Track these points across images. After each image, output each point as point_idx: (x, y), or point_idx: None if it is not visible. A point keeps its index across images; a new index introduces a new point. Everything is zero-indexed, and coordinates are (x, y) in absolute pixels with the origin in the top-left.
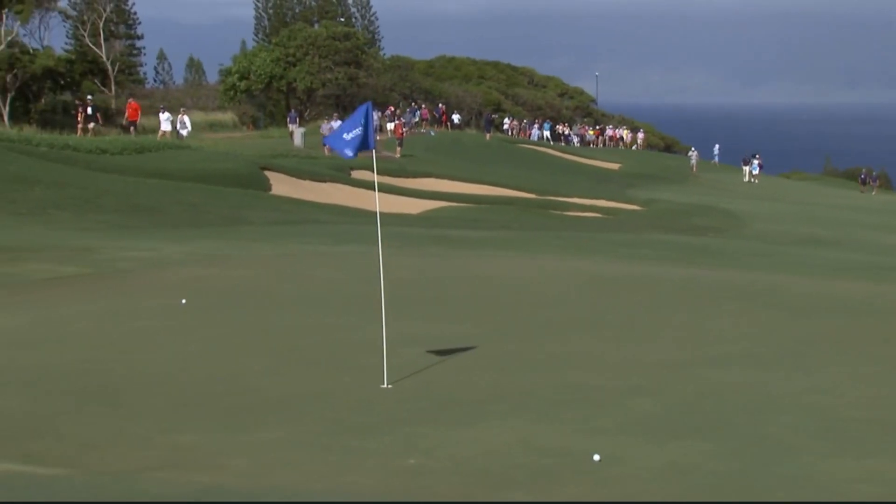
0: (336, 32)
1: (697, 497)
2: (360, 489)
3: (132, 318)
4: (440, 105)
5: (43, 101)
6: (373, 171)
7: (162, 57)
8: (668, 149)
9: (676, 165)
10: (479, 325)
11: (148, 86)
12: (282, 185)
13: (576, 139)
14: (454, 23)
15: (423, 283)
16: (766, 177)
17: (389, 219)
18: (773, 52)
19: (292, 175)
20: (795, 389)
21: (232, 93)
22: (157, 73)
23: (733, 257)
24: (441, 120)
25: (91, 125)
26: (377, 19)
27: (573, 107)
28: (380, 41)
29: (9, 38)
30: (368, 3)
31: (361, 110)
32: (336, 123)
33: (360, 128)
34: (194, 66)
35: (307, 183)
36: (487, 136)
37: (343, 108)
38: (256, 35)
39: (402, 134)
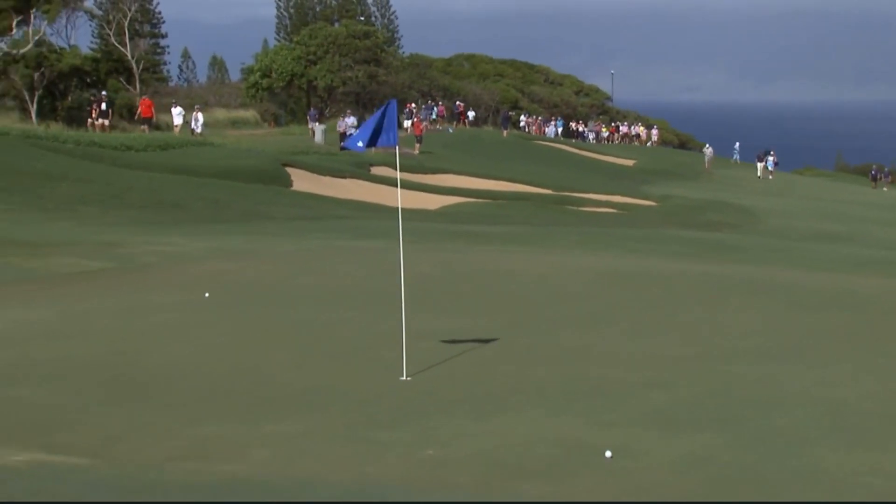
0: (356, 31)
1: (710, 489)
2: (379, 480)
3: (156, 312)
4: (458, 102)
5: (69, 98)
6: (392, 168)
7: (186, 55)
8: (683, 145)
9: (690, 162)
10: (497, 318)
11: (172, 84)
12: (303, 182)
13: (591, 136)
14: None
15: (442, 277)
16: (780, 173)
17: (408, 214)
18: (785, 50)
19: (313, 171)
20: (808, 383)
21: (254, 91)
22: (181, 71)
23: (747, 253)
24: (459, 117)
25: (102, 121)
26: (396, 18)
27: (589, 104)
28: (399, 39)
29: (36, 38)
30: (388, 2)
31: (384, 109)
32: (350, 120)
33: (377, 122)
34: (217, 65)
35: (327, 179)
36: (504, 132)
37: (363, 105)
38: (278, 34)
39: (421, 131)
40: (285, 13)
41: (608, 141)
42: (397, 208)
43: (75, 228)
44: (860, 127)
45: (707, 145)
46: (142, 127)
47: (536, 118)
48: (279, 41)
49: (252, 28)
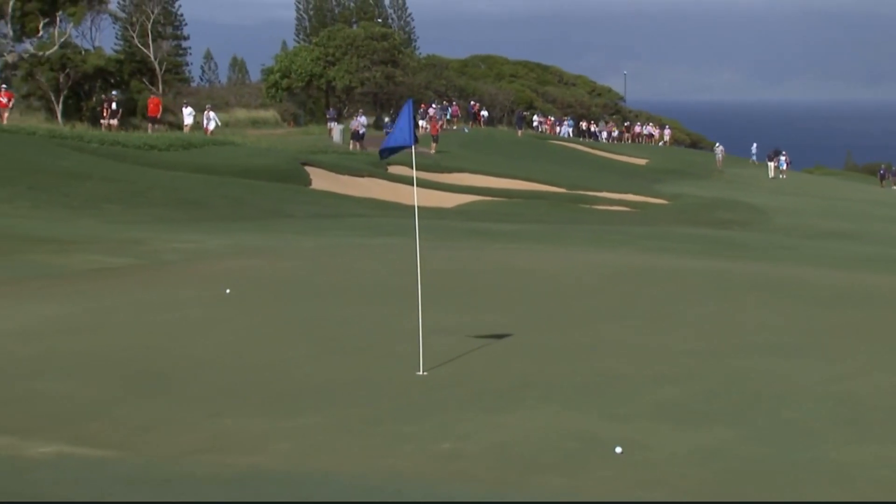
0: (374, 33)
1: (722, 481)
2: (396, 472)
3: (178, 307)
4: (473, 103)
5: (94, 99)
6: (409, 167)
7: (208, 56)
8: (694, 145)
9: (702, 161)
10: (512, 315)
11: (194, 85)
12: (321, 180)
13: (604, 135)
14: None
15: (458, 274)
16: (791, 172)
17: (425, 212)
18: (796, 51)
19: (331, 170)
20: (819, 378)
21: (274, 91)
22: (202, 72)
23: (757, 250)
24: (475, 117)
25: (113, 121)
26: (413, 20)
27: (602, 104)
28: (415, 41)
29: (62, 40)
30: (404, 4)
31: (405, 111)
32: (362, 119)
33: (402, 127)
34: (237, 66)
35: (346, 178)
36: (519, 132)
37: (380, 105)
38: (297, 35)
39: (437, 131)
40: (305, 15)
41: (619, 140)
42: (414, 206)
43: (99, 226)
44: (870, 126)
45: (718, 144)
46: (150, 125)
47: (549, 118)
48: (298, 42)
49: (272, 29)
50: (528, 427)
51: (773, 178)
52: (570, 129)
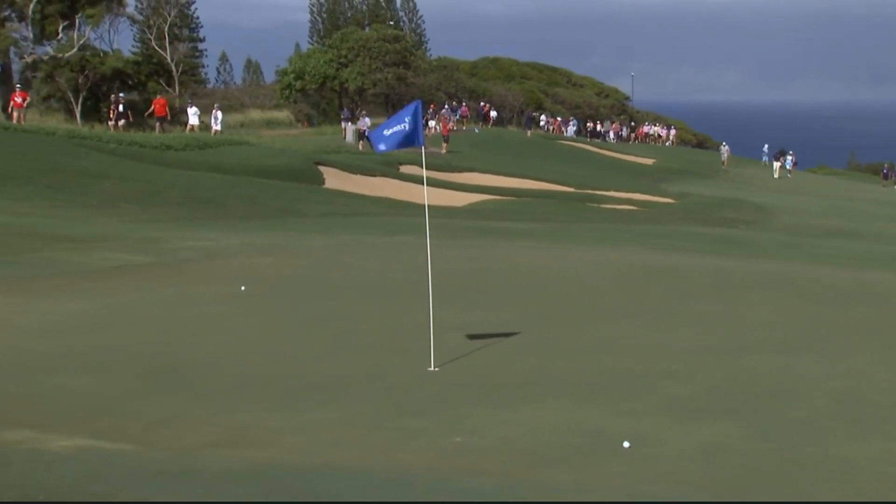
0: (386, 35)
1: (727, 476)
2: (408, 466)
3: (194, 304)
4: (483, 104)
5: (112, 100)
6: (420, 166)
7: (224, 58)
8: (700, 145)
9: (708, 161)
10: (521, 312)
11: (209, 86)
12: (334, 180)
13: (611, 135)
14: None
15: (468, 272)
16: (796, 172)
17: (436, 211)
18: (801, 52)
19: (344, 170)
20: (823, 374)
21: (288, 92)
22: (218, 73)
23: (763, 248)
24: (485, 118)
25: (121, 122)
26: (424, 22)
27: (609, 105)
28: (426, 43)
29: (81, 42)
30: (416, 7)
31: (409, 108)
32: (367, 121)
33: (403, 125)
34: (252, 67)
35: (358, 177)
36: (528, 133)
37: (392, 106)
38: (311, 38)
39: (448, 131)
40: (318, 18)
41: (627, 140)
42: (425, 205)
43: (117, 224)
44: (872, 126)
45: (724, 144)
46: (156, 124)
47: (556, 119)
48: (312, 45)
49: (286, 32)
50: (537, 422)
51: (778, 178)
52: (575, 130)
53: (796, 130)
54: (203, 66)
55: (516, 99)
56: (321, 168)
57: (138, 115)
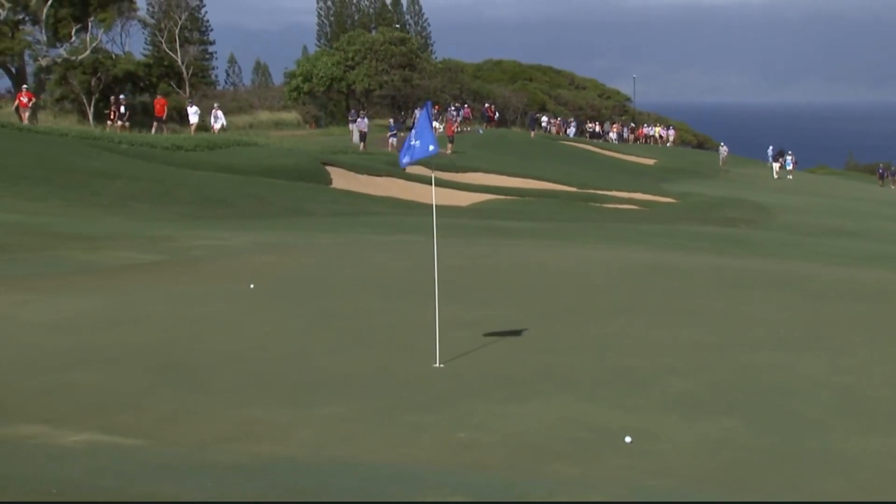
0: (392, 38)
1: (730, 470)
2: (414, 460)
3: (204, 302)
4: (487, 105)
5: (112, 101)
6: (425, 167)
7: (232, 61)
8: (701, 145)
9: (708, 161)
10: (525, 309)
11: (219, 88)
12: (341, 180)
13: (613, 136)
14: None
15: (473, 270)
16: (796, 172)
17: (441, 210)
18: (803, 54)
19: (351, 170)
20: (823, 370)
21: (296, 94)
22: (227, 75)
23: (763, 247)
24: (490, 119)
25: (120, 123)
26: (429, 25)
27: (611, 106)
28: (432, 45)
29: (93, 45)
30: (421, 10)
31: (424, 115)
32: (363, 121)
33: (422, 138)
34: (261, 69)
35: (365, 177)
36: (532, 133)
37: (398, 107)
38: (319, 40)
39: (453, 132)
40: (326, 21)
41: (624, 140)
42: (431, 205)
43: (129, 223)
44: (873, 126)
45: (722, 144)
46: (155, 124)
47: (557, 119)
48: (320, 47)
49: (294, 35)
50: (542, 418)
51: (777, 179)
52: (574, 130)
53: (798, 131)
54: (213, 69)
55: (520, 100)
56: (328, 168)
57: (139, 115)
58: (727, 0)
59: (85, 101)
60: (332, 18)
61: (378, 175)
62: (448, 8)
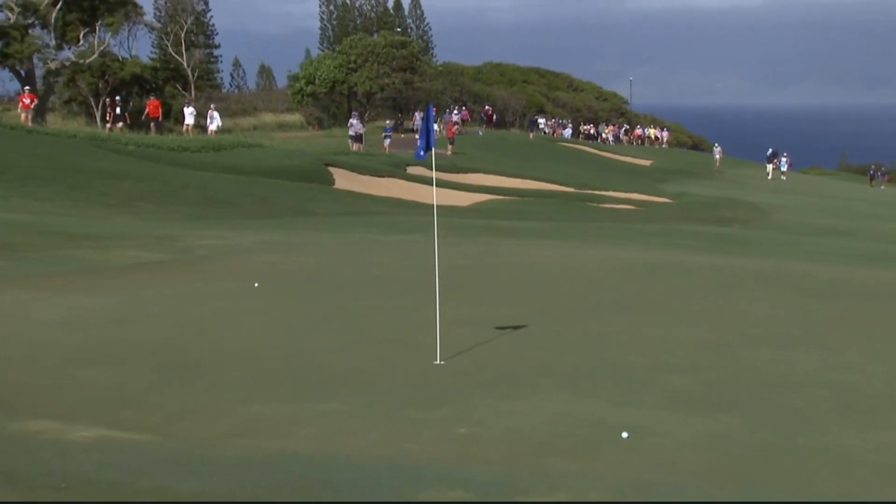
0: (393, 41)
1: (727, 465)
2: (416, 455)
3: (210, 300)
4: (486, 108)
5: (131, 104)
6: (426, 167)
7: (237, 64)
8: (696, 147)
9: (704, 162)
10: (525, 307)
11: (224, 90)
12: (344, 180)
13: (611, 137)
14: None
15: (473, 269)
16: (789, 173)
17: (441, 211)
18: (799, 56)
19: (353, 171)
20: (819, 367)
21: (299, 96)
22: (232, 78)
23: (758, 246)
24: (489, 120)
25: (119, 124)
26: (430, 29)
27: (608, 108)
28: (433, 49)
29: (101, 48)
30: (422, 14)
31: (425, 118)
32: (357, 123)
33: (422, 137)
34: (265, 72)
35: (367, 178)
36: (531, 135)
37: (399, 109)
38: (321, 44)
39: (453, 133)
40: (328, 25)
41: (619, 141)
42: (432, 205)
43: (135, 223)
44: (867, 128)
45: (717, 145)
46: (151, 125)
47: (552, 120)
48: (322, 50)
49: (297, 38)
50: (541, 413)
51: (771, 180)
52: (569, 132)
53: (793, 133)
54: (218, 72)
55: (518, 103)
56: (331, 169)
57: (144, 117)
58: (726, 3)
59: (93, 103)
60: (334, 22)
61: (380, 176)
62: (449, 12)
